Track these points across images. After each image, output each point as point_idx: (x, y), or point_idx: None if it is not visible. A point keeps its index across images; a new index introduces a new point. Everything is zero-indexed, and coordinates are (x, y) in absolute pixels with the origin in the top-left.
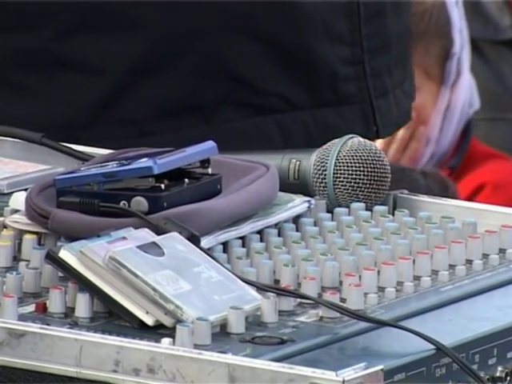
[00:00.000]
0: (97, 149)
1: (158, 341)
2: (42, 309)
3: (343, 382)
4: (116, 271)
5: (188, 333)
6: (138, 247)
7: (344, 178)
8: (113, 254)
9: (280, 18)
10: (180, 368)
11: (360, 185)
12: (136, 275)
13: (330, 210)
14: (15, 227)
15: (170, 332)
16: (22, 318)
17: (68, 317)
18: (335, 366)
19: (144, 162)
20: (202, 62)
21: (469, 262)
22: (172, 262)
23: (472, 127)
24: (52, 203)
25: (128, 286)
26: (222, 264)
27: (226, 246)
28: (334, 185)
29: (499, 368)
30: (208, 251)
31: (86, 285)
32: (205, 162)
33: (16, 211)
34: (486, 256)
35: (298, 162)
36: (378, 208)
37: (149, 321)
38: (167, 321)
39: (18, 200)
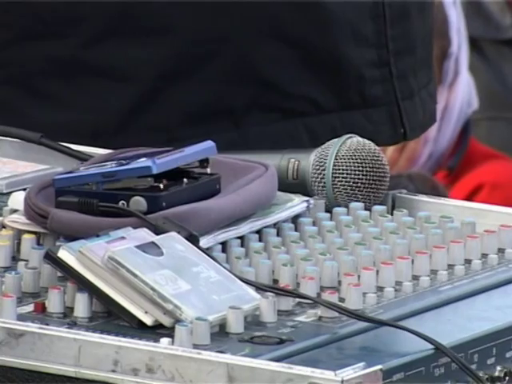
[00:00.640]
0: (95, 149)
1: (156, 340)
2: (41, 309)
3: (342, 381)
4: (115, 271)
5: (187, 332)
6: (137, 247)
7: (343, 177)
8: (112, 254)
9: (307, 21)
10: (179, 368)
11: (359, 184)
12: (135, 275)
13: (328, 210)
14: (14, 227)
15: (168, 332)
16: (21, 317)
17: (67, 317)
18: (334, 366)
19: (143, 162)
20: (229, 66)
21: (468, 261)
22: (171, 262)
23: (471, 127)
24: (51, 203)
25: (127, 286)
26: (220, 264)
27: (224, 245)
28: (333, 184)
29: (498, 368)
30: (207, 251)
31: (84, 284)
32: (203, 162)
33: (15, 211)
34: (484, 256)
35: (296, 162)
36: (376, 208)
37: (148, 320)
38: (166, 320)
39: (17, 200)
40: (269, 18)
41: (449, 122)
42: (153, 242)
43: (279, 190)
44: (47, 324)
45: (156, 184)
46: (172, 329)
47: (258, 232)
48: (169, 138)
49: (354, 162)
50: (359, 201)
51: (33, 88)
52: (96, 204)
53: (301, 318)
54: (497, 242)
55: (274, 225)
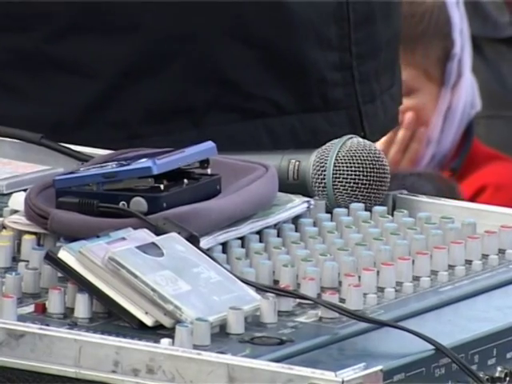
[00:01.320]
0: (96, 149)
1: (157, 341)
2: (42, 309)
3: (342, 382)
4: (115, 272)
5: (187, 333)
6: (138, 248)
7: (343, 178)
8: (112, 255)
9: (271, 24)
10: (179, 368)
11: (359, 185)
12: (135, 276)
13: (329, 211)
14: (14, 228)
15: (169, 332)
16: (22, 318)
17: (67, 317)
18: (334, 367)
19: (143, 163)
20: (193, 65)
21: (468, 262)
22: (171, 263)
23: (474, 128)
24: (51, 204)
25: (127, 287)
26: (221, 264)
27: (225, 246)
28: (334, 185)
29: (498, 368)
30: (207, 251)
31: (85, 285)
32: (204, 163)
33: (15, 212)
34: (485, 256)
35: (297, 163)
36: (377, 208)
37: (148, 321)
38: (166, 321)
39: (18, 200)
40: (233, 19)
41: (452, 124)
42: (153, 243)
43: (280, 190)
44: (47, 325)
45: (156, 185)
46: (172, 329)
47: (259, 233)
48: (129, 135)
49: (354, 163)
50: (360, 201)
51: None
52: (96, 205)
53: (301, 319)
54: (497, 243)
55: (275, 225)
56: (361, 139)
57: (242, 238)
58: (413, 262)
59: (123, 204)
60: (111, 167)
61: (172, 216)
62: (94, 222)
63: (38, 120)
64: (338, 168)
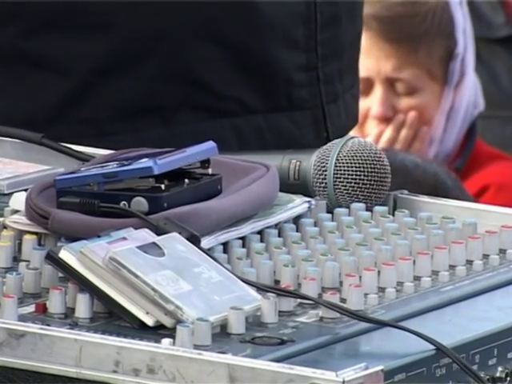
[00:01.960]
0: (97, 149)
1: (158, 341)
2: (42, 309)
3: (343, 382)
4: (116, 272)
5: (188, 333)
6: (138, 247)
7: (344, 178)
8: (113, 255)
9: (241, 24)
10: (180, 368)
11: (360, 185)
12: (136, 275)
13: (330, 211)
14: (15, 227)
15: (170, 332)
16: (22, 318)
17: (68, 317)
18: (335, 367)
19: (144, 163)
20: (162, 64)
21: (469, 262)
22: (172, 263)
23: (476, 128)
24: (52, 204)
25: (128, 287)
26: (222, 264)
27: (226, 246)
28: (335, 185)
29: (499, 368)
30: (208, 251)
31: (86, 285)
32: (205, 163)
33: (16, 211)
34: (486, 256)
35: (298, 163)
36: (378, 208)
37: (149, 321)
38: (167, 321)
39: (18, 200)
40: (203, 19)
41: (455, 123)
42: (154, 243)
43: (280, 190)
44: (48, 325)
45: (157, 185)
46: (173, 329)
47: (260, 233)
48: (98, 132)
49: (355, 163)
50: (360, 201)
51: None
52: (97, 204)
53: (302, 319)
54: (498, 243)
55: (276, 225)
56: (362, 139)
57: (242, 238)
58: (414, 262)
59: (124, 204)
60: (112, 167)
61: (173, 216)
62: (95, 222)
63: (8, 115)
64: (338, 168)
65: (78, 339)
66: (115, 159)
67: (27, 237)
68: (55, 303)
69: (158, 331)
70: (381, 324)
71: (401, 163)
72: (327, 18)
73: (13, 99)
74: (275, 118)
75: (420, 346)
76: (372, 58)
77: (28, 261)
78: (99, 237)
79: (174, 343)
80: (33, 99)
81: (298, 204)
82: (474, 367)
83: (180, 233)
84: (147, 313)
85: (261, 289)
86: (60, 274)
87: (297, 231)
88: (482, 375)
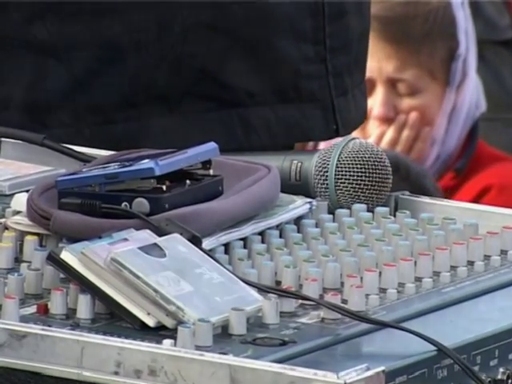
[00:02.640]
0: (98, 150)
1: (159, 342)
2: (44, 310)
3: (345, 383)
4: (117, 272)
5: (189, 334)
6: (140, 248)
7: (345, 179)
8: (114, 256)
9: (247, 15)
10: (181, 369)
11: (361, 186)
12: (137, 276)
13: (331, 212)
14: (17, 228)
15: (171, 333)
16: (24, 319)
17: (69, 318)
18: (337, 368)
19: (145, 164)
20: (169, 52)
21: (470, 263)
22: (173, 264)
23: (478, 129)
24: (53, 204)
25: (129, 288)
26: (223, 265)
27: (227, 247)
28: (336, 186)
29: (501, 370)
30: (209, 252)
31: (87, 286)
32: (206, 163)
33: (17, 212)
34: (487, 257)
35: (299, 164)
36: (379, 209)
37: (150, 322)
38: (168, 322)
39: (20, 201)
40: (210, 9)
41: (456, 124)
42: (155, 244)
43: (282, 191)
44: (50, 325)
45: (159, 185)
46: (174, 330)
47: (261, 233)
48: (105, 119)
49: (356, 164)
50: (362, 202)
51: None
52: (99, 205)
53: (303, 320)
54: (499, 244)
55: (277, 226)
56: (363, 140)
57: (244, 239)
58: (415, 262)
59: (125, 205)
60: (113, 168)
61: (174, 217)
62: (97, 223)
63: (13, 102)
64: (340, 169)
65: (80, 340)
66: (116, 160)
67: (29, 238)
68: (57, 304)
69: (159, 332)
70: (382, 325)
71: None
72: (335, 10)
73: (16, 86)
74: (284, 110)
75: (421, 347)
76: (374, 59)
77: (29, 262)
78: (100, 238)
79: (175, 344)
80: (36, 86)
81: (299, 205)
82: (476, 368)
83: (181, 234)
84: (148, 314)
85: (262, 290)
86: (61, 275)
87: (298, 232)
88: (484, 377)
